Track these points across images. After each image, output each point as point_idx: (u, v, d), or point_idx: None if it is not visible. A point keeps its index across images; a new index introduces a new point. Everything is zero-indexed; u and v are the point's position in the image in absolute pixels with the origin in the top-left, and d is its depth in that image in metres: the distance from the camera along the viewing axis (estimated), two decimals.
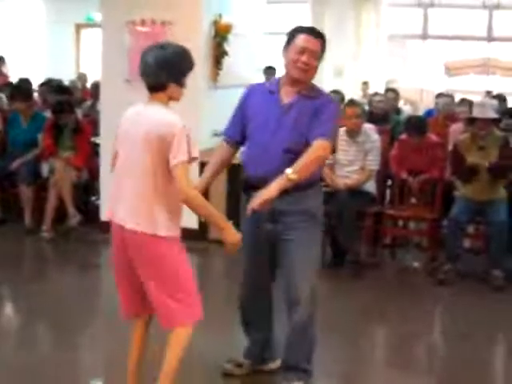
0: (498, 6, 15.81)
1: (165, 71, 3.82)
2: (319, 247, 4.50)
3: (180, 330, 4.01)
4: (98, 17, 16.28)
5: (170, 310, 3.99)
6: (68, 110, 8.31)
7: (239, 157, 7.65)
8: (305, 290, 4.29)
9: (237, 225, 4.05)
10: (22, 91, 8.98)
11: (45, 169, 8.14)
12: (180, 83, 3.89)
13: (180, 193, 3.75)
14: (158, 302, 3.99)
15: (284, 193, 4.03)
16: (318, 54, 4.18)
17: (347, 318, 5.92)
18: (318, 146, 4.04)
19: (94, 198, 8.52)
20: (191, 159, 3.74)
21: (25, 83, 11.15)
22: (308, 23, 15.81)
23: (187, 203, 3.79)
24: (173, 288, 3.95)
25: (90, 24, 17.51)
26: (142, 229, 3.84)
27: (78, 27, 18.21)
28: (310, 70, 4.17)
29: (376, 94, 10.34)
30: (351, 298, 6.37)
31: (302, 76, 4.19)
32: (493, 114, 6.88)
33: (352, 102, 7.43)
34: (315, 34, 4.20)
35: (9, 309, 6.54)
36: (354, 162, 7.08)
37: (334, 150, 4.12)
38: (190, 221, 7.74)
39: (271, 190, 3.95)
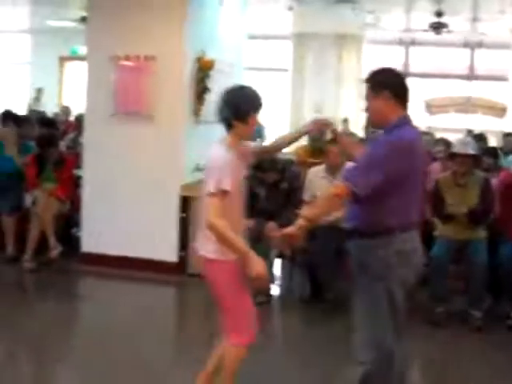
0: (479, 45, 16.05)
1: (230, 111, 4.15)
2: (378, 304, 4.10)
3: (229, 348, 4.29)
4: (82, 50, 16.44)
5: (225, 327, 4.30)
6: (52, 143, 8.41)
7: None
8: (363, 351, 4.21)
9: None
10: (8, 120, 9.08)
11: (27, 200, 8.17)
12: (245, 122, 4.17)
13: (205, 220, 4.04)
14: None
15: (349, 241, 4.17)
16: (370, 96, 4.13)
17: (325, 356, 5.94)
18: (334, 187, 4.08)
19: (74, 230, 8.55)
20: (220, 191, 4.00)
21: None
22: (290, 60, 16.03)
23: (210, 231, 4.05)
24: (224, 309, 4.26)
25: (74, 57, 17.62)
26: (202, 252, 4.27)
27: (62, 60, 18.30)
28: (371, 113, 4.17)
29: (353, 134, 10.46)
30: (327, 335, 6.39)
31: (371, 120, 4.32)
32: (473, 151, 6.93)
33: (335, 140, 7.49)
34: (365, 79, 4.20)
35: None
36: None
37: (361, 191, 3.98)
38: (169, 254, 7.86)
39: (291, 228, 4.02)
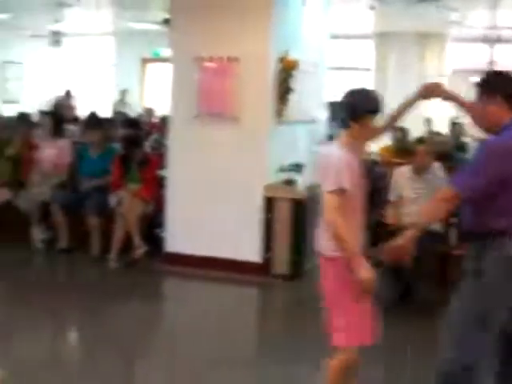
0: None
1: (347, 111, 4.20)
2: (474, 304, 4.01)
3: (336, 350, 4.25)
4: (164, 52, 16.64)
5: (330, 328, 4.25)
6: (137, 144, 8.56)
7: (301, 191, 7.76)
8: (445, 349, 4.13)
9: None
10: (94, 122, 9.23)
11: (112, 200, 8.28)
12: (360, 123, 4.18)
13: (324, 218, 4.11)
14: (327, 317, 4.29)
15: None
16: (481, 101, 4.05)
17: (412, 358, 5.85)
18: (440, 192, 4.07)
19: (158, 230, 8.60)
20: (338, 189, 4.04)
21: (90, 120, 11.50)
22: (372, 59, 15.91)
23: (328, 228, 4.11)
24: (331, 306, 4.24)
25: (156, 59, 17.84)
26: (317, 249, 4.30)
27: (145, 62, 18.55)
28: (483, 118, 4.09)
29: (438, 133, 10.30)
30: (414, 337, 6.29)
31: (475, 124, 4.25)
32: None
33: (422, 140, 7.39)
34: (476, 84, 4.12)
35: (73, 337, 6.69)
36: (418, 199, 7.02)
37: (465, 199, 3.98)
38: (253, 255, 7.85)
39: (400, 239, 4.00)
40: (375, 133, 4.51)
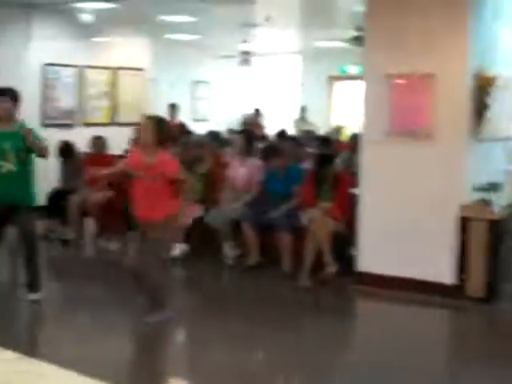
0: None
1: None
2: None
3: None
4: (351, 69, 16.67)
5: None
6: (329, 162, 8.56)
7: (498, 211, 7.48)
8: None
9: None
10: (274, 151, 9.34)
11: (304, 218, 8.32)
12: None
13: None
14: None
15: None
16: None
17: None
18: None
19: (349, 249, 8.55)
20: None
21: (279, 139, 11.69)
22: None
23: None
24: None
25: (343, 76, 17.88)
26: None
27: (331, 79, 18.64)
28: None
29: None
30: None
31: None
32: None
33: None
34: None
35: (262, 352, 6.68)
36: None
37: None
38: (447, 277, 7.63)
39: None
40: None
